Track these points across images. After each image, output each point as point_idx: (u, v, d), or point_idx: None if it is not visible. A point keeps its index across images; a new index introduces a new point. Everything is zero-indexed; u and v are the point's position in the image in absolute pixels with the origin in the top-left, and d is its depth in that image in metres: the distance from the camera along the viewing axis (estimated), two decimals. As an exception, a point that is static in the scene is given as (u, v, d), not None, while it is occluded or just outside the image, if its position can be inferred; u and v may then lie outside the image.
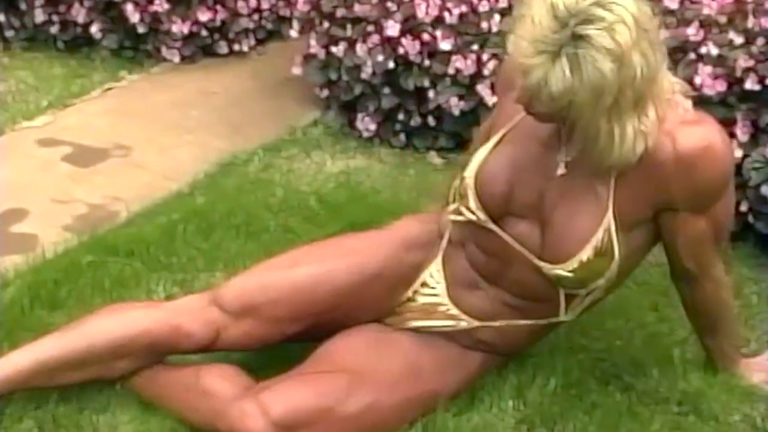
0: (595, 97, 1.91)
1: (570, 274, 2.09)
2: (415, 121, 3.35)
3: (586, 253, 2.07)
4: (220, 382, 2.16)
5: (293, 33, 3.62)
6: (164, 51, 3.86)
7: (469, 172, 2.17)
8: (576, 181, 2.08)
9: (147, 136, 3.41)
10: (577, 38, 1.87)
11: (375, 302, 2.25)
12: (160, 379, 2.22)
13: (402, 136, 3.39)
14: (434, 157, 3.35)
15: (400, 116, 3.36)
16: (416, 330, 2.25)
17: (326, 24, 3.44)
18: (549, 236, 2.10)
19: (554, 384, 2.31)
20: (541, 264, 2.12)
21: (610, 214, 2.07)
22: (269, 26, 4.03)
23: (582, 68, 1.88)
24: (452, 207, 2.22)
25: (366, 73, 3.32)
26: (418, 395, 2.19)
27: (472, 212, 2.16)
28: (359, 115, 3.41)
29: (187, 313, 2.20)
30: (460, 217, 2.20)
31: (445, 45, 3.21)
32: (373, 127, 3.39)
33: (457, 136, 3.31)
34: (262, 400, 2.06)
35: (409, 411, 2.18)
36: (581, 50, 1.87)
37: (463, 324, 2.24)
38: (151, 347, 2.19)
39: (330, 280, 2.22)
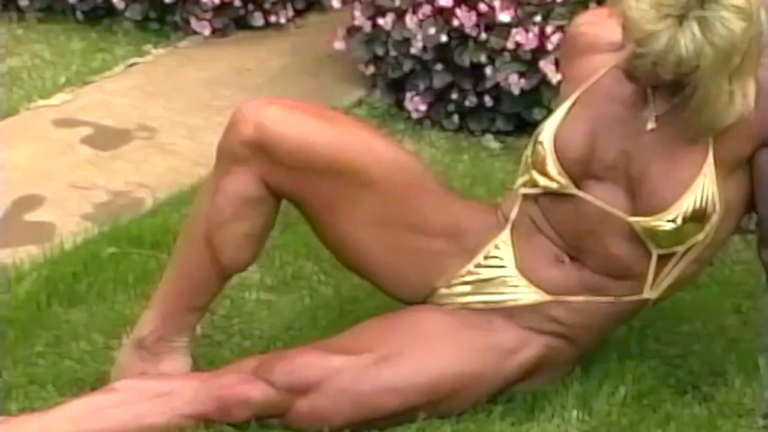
0: (724, 59, 2.03)
1: (670, 225, 2.17)
2: (470, 101, 3.36)
3: (686, 202, 2.16)
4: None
5: (335, 3, 3.64)
6: (193, 23, 3.89)
7: (545, 137, 2.24)
8: (668, 135, 2.18)
9: (174, 116, 3.45)
10: None
11: (436, 262, 2.31)
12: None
13: (455, 118, 3.40)
14: (491, 141, 3.37)
15: (454, 96, 3.37)
16: (471, 307, 2.30)
17: (372, -8, 3.46)
18: (644, 190, 2.19)
19: (623, 393, 2.31)
20: (637, 219, 2.19)
21: (710, 158, 2.16)
22: (309, -5, 4.06)
23: (712, 30, 2.01)
24: (521, 180, 2.30)
25: (416, 47, 3.34)
26: (454, 379, 2.25)
27: (552, 179, 2.23)
28: (408, 95, 3.42)
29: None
30: (533, 190, 2.27)
31: (504, 17, 3.22)
32: (423, 107, 3.41)
33: (517, 117, 3.32)
34: (267, 365, 2.18)
35: (442, 394, 2.25)
36: (710, 11, 2.00)
37: (532, 297, 2.28)
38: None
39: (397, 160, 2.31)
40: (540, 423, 2.26)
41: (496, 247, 2.31)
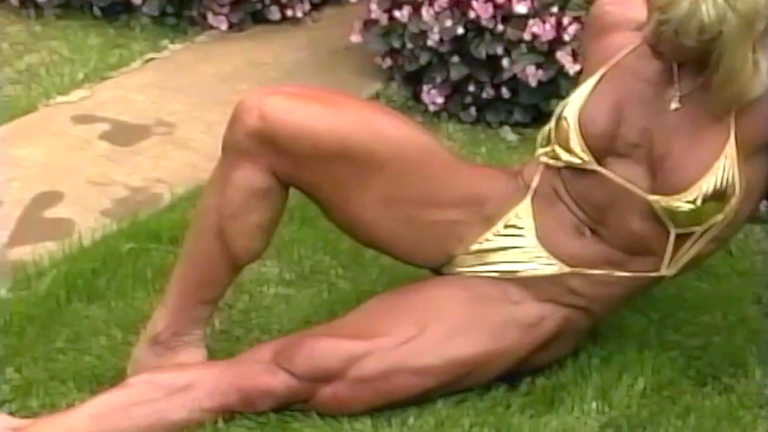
0: (747, 25, 2.05)
1: (689, 206, 2.18)
2: (487, 93, 3.35)
3: (706, 182, 2.17)
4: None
5: (352, -4, 3.64)
6: (210, 18, 3.89)
7: (569, 113, 2.25)
8: (692, 114, 2.19)
9: (191, 112, 3.45)
10: None
11: (449, 234, 2.31)
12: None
13: (472, 110, 3.39)
14: (508, 133, 3.36)
15: (471, 88, 3.37)
16: (488, 276, 2.30)
17: (388, -14, 3.45)
18: (665, 168, 2.20)
19: (643, 384, 2.31)
20: (657, 198, 2.19)
21: (732, 140, 2.17)
22: (325, -11, 4.06)
23: None
24: (543, 151, 2.30)
25: (433, 40, 3.33)
26: (474, 358, 2.25)
27: (575, 154, 2.24)
28: (425, 87, 3.42)
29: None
30: (555, 162, 2.28)
31: (520, 8, 3.21)
32: (440, 100, 3.40)
33: (534, 109, 3.32)
34: (286, 354, 2.20)
35: (462, 373, 2.26)
36: None
37: (552, 269, 2.28)
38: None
39: (410, 141, 2.31)
40: (559, 415, 2.26)
41: (517, 215, 2.32)
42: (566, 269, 2.28)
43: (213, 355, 2.40)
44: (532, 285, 2.29)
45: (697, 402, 2.29)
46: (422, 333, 2.24)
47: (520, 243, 2.30)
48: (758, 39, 2.09)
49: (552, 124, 2.30)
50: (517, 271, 2.30)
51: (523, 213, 2.32)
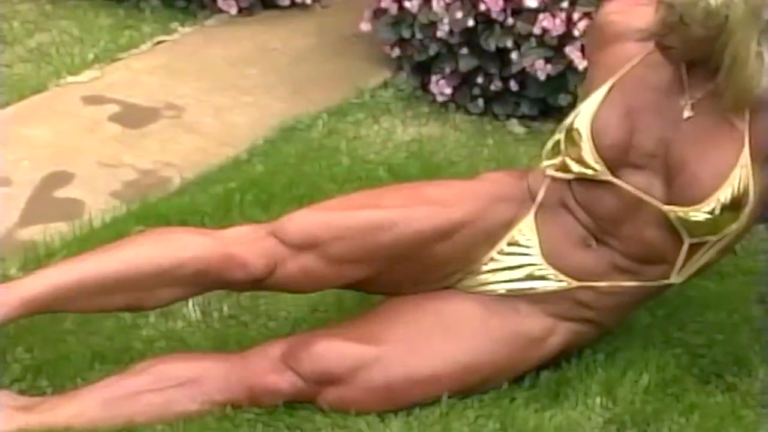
0: (753, 12, 2.03)
1: (706, 217, 2.16)
2: (496, 85, 3.34)
3: (724, 193, 2.16)
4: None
5: (362, -16, 3.62)
6: (220, 2, 3.88)
7: (581, 124, 2.22)
8: (705, 123, 2.18)
9: (200, 95, 3.44)
10: None
11: (452, 258, 2.28)
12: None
13: (480, 102, 3.38)
14: (515, 126, 3.35)
15: (479, 80, 3.36)
16: (495, 294, 2.28)
17: (399, -24, 3.44)
18: (681, 179, 2.18)
19: (647, 381, 2.31)
20: (674, 209, 2.18)
21: (746, 150, 2.16)
22: (335, -24, 4.04)
23: None
24: (550, 163, 2.27)
25: (442, 31, 3.32)
26: (481, 369, 2.25)
27: (587, 166, 2.21)
28: (434, 78, 3.41)
29: (243, 242, 2.23)
30: (564, 175, 2.24)
31: (531, 2, 3.20)
32: (448, 90, 3.39)
33: (542, 102, 3.31)
34: (295, 354, 2.20)
35: (469, 383, 2.25)
36: None
37: (560, 284, 2.27)
38: (199, 276, 2.21)
39: (406, 224, 2.25)
40: (564, 410, 2.26)
41: (520, 232, 2.29)
42: (574, 284, 2.27)
43: (221, 340, 2.40)
44: (540, 300, 2.27)
45: (700, 400, 2.29)
46: (431, 343, 2.24)
47: (525, 261, 2.28)
48: (764, 30, 2.08)
49: (561, 135, 2.27)
50: (524, 289, 2.28)
51: (526, 229, 2.29)
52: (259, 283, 2.25)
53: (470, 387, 2.26)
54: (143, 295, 2.22)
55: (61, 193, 2.94)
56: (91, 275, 2.18)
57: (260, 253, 2.22)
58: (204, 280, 2.23)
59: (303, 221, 2.26)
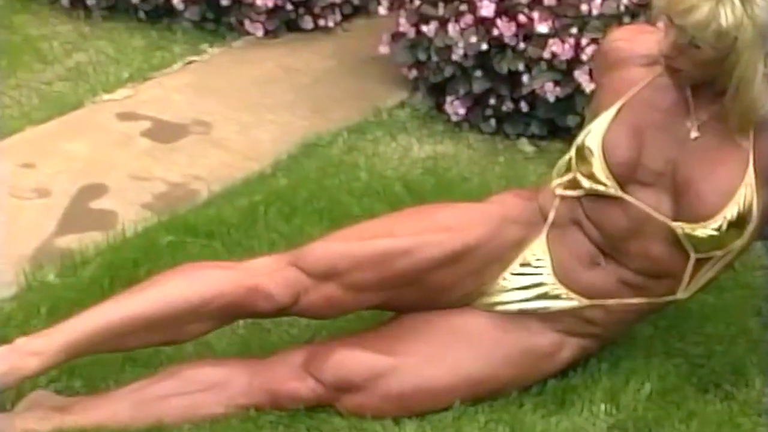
0: (762, 34, 2.03)
1: (713, 233, 2.17)
2: (507, 106, 3.35)
3: (730, 211, 2.16)
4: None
5: (381, 9, 3.62)
6: (247, 24, 3.89)
7: (592, 142, 2.23)
8: (711, 143, 2.18)
9: (227, 113, 3.46)
10: None
11: (470, 278, 2.28)
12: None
13: (492, 122, 3.39)
14: (525, 145, 3.36)
15: (492, 101, 3.37)
16: (510, 312, 2.28)
17: (416, 1, 3.44)
18: (688, 197, 2.18)
19: (649, 389, 2.32)
20: (681, 225, 2.18)
21: (751, 169, 2.16)
22: (356, 1, 4.04)
23: (752, 2, 2.04)
24: (559, 182, 2.27)
25: (457, 54, 3.33)
26: (492, 382, 2.26)
27: (599, 182, 2.22)
28: (448, 98, 3.42)
29: (266, 273, 2.24)
30: (574, 192, 2.25)
31: (542, 28, 3.21)
32: (462, 111, 3.40)
33: (551, 123, 3.31)
34: (317, 362, 2.21)
35: (480, 395, 2.26)
36: None
37: (572, 303, 2.27)
38: (226, 309, 2.23)
39: (420, 251, 2.25)
40: (569, 416, 2.27)
41: (532, 253, 2.29)
42: (585, 302, 2.27)
43: (246, 345, 2.42)
44: (550, 318, 2.28)
45: (699, 408, 2.29)
46: (445, 356, 2.25)
47: (538, 281, 2.28)
48: None
49: (572, 153, 2.28)
50: (537, 309, 2.28)
51: (538, 250, 2.28)
52: (284, 311, 2.26)
53: (480, 398, 2.27)
54: (174, 332, 2.23)
55: (95, 204, 2.97)
56: (120, 317, 2.19)
57: (284, 284, 2.23)
58: (231, 312, 2.25)
59: (322, 252, 2.26)
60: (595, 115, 2.31)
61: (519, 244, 2.29)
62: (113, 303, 2.23)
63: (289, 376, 2.23)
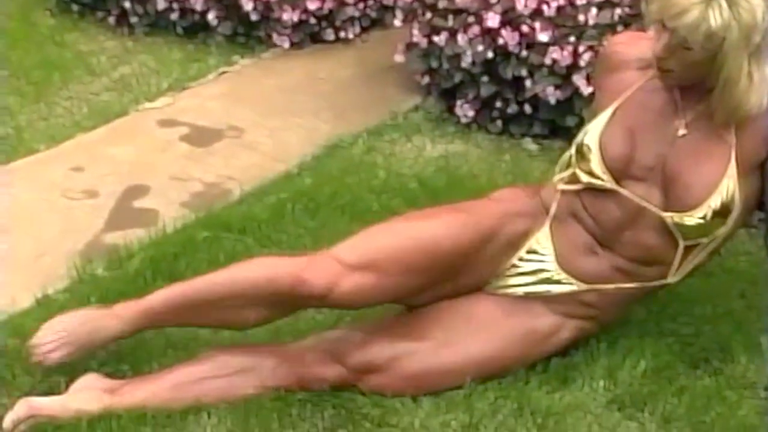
0: (746, 35, 2.01)
1: (699, 221, 2.15)
2: (512, 108, 3.33)
3: (714, 200, 2.15)
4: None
5: (397, 22, 3.61)
6: (275, 37, 3.88)
7: (590, 140, 2.23)
8: (697, 139, 2.17)
9: (257, 118, 3.45)
10: None
11: (484, 264, 2.28)
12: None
13: (499, 123, 3.37)
14: (529, 144, 3.33)
15: (498, 104, 3.34)
16: (516, 295, 2.27)
17: (428, 14, 3.42)
18: (677, 189, 2.17)
19: (644, 366, 2.29)
20: (670, 214, 2.17)
21: (733, 162, 2.15)
22: (374, 15, 4.02)
23: (738, 5, 2.02)
24: (560, 176, 2.27)
25: (466, 62, 3.31)
26: (498, 362, 2.25)
27: (596, 176, 2.21)
28: (458, 102, 3.40)
29: (309, 265, 2.20)
30: (574, 186, 2.24)
31: (542, 36, 3.18)
32: (471, 113, 3.38)
33: (552, 123, 3.29)
34: (342, 350, 2.20)
35: (488, 373, 2.25)
36: None
37: (571, 287, 2.26)
38: (277, 296, 2.19)
39: (449, 237, 2.24)
40: (572, 391, 2.25)
41: (537, 241, 2.29)
42: (583, 287, 2.26)
43: (275, 331, 2.39)
44: (551, 301, 2.27)
45: (690, 382, 2.27)
46: (458, 340, 2.24)
47: (541, 267, 2.27)
48: (753, 53, 2.06)
49: (572, 150, 2.28)
50: (540, 292, 2.27)
51: (542, 239, 2.28)
52: (320, 302, 2.23)
53: (490, 376, 2.26)
54: (235, 314, 2.20)
55: (139, 203, 2.96)
56: (194, 290, 2.21)
57: (322, 274, 2.19)
58: (283, 300, 2.21)
59: (358, 245, 2.24)
60: (594, 116, 2.30)
61: (526, 234, 2.29)
62: (187, 281, 2.25)
63: (315, 362, 2.22)
